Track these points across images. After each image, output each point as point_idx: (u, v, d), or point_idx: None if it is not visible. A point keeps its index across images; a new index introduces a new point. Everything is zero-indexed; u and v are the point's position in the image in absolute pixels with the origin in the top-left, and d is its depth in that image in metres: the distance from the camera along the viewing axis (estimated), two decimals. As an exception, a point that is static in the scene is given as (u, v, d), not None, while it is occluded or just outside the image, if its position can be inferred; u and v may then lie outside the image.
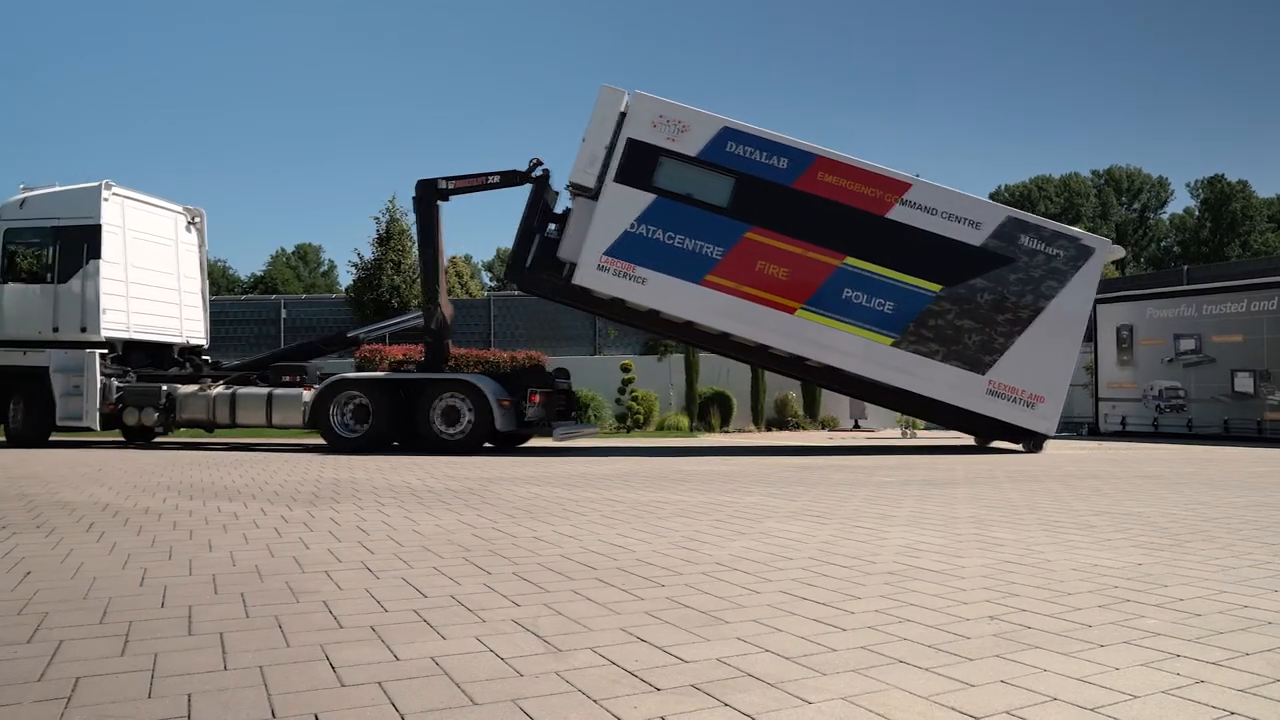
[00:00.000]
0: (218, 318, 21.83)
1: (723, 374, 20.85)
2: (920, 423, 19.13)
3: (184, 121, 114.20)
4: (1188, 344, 16.99)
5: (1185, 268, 23.55)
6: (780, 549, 4.47)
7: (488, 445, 12.92)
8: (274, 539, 4.80)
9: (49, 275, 13.63)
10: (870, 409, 20.76)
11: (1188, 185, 70.04)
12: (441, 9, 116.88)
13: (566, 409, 13.72)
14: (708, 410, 20.32)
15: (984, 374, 12.11)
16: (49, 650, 2.69)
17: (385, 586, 3.59)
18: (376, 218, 24.16)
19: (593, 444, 14.65)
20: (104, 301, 13.41)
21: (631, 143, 12.07)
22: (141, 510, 6.00)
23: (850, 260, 12.11)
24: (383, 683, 2.38)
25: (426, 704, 2.22)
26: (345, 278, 33.04)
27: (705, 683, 2.39)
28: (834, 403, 21.48)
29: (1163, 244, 70.36)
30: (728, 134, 12.12)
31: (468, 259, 62.57)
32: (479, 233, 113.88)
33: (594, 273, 12.12)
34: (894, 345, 12.12)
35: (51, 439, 14.10)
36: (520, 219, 12.81)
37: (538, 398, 12.63)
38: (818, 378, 13.27)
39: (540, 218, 12.78)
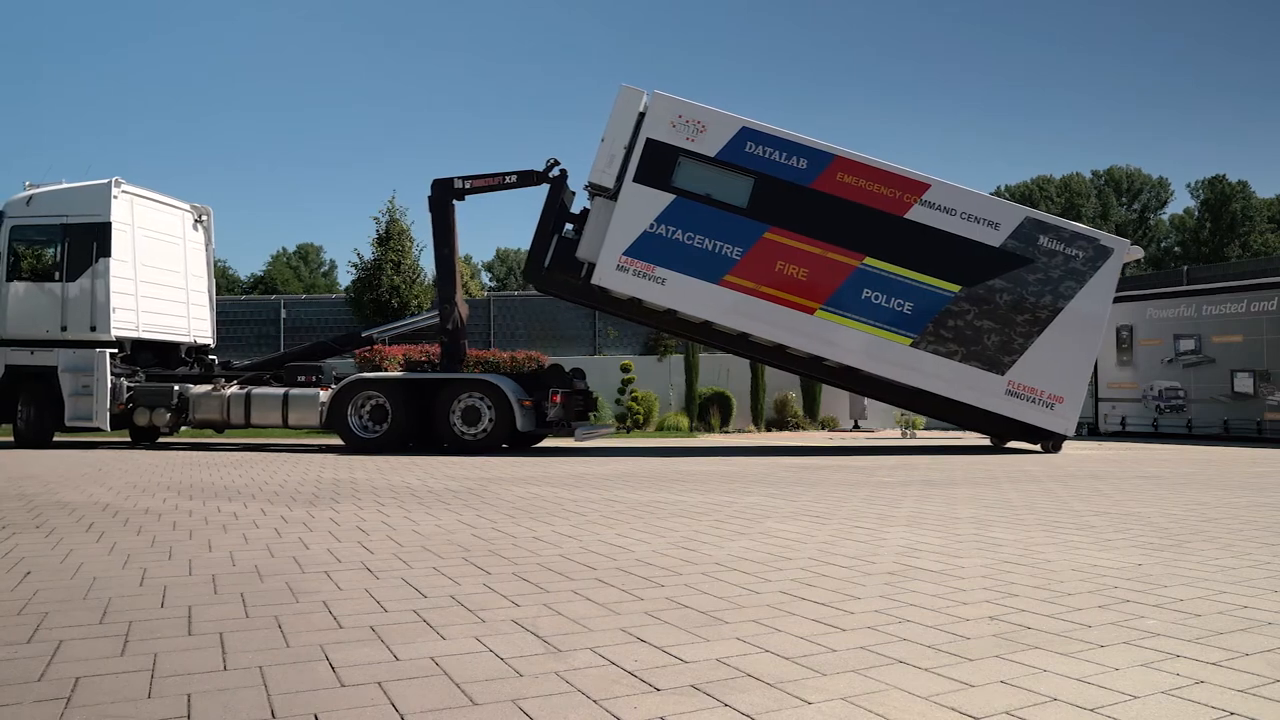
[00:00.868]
0: (218, 317, 21.81)
1: (722, 374, 20.85)
2: (920, 423, 19.14)
3: (183, 121, 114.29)
4: (1188, 344, 17.00)
5: (1185, 268, 23.57)
6: (780, 549, 4.47)
7: (503, 445, 12.91)
8: (274, 539, 4.80)
9: (56, 273, 13.50)
10: (870, 409, 20.77)
11: (1188, 186, 70.14)
12: (442, 8, 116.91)
13: (584, 409, 13.68)
14: (707, 410, 20.32)
15: (1003, 374, 12.10)
16: (49, 650, 2.69)
17: (385, 586, 3.60)
18: (376, 218, 24.11)
19: (592, 444, 14.65)
20: (114, 300, 13.29)
21: (650, 143, 12.07)
22: (141, 510, 6.00)
23: (869, 260, 12.11)
24: (383, 683, 2.38)
25: (426, 704, 2.22)
26: (345, 278, 33.06)
27: (705, 683, 2.39)
28: (834, 403, 21.48)
29: (1163, 244, 70.36)
30: (746, 134, 12.12)
31: (467, 259, 62.55)
32: (479, 233, 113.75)
33: (613, 273, 12.13)
34: (913, 345, 12.12)
35: (57, 439, 13.98)
36: (538, 219, 12.79)
37: (559, 398, 12.61)
38: (836, 378, 13.27)
39: (557, 218, 12.78)
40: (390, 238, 23.61)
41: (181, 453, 12.58)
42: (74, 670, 2.49)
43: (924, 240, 12.07)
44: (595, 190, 12.31)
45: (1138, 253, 13.69)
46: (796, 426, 21.09)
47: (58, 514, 5.80)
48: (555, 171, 12.87)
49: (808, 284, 12.11)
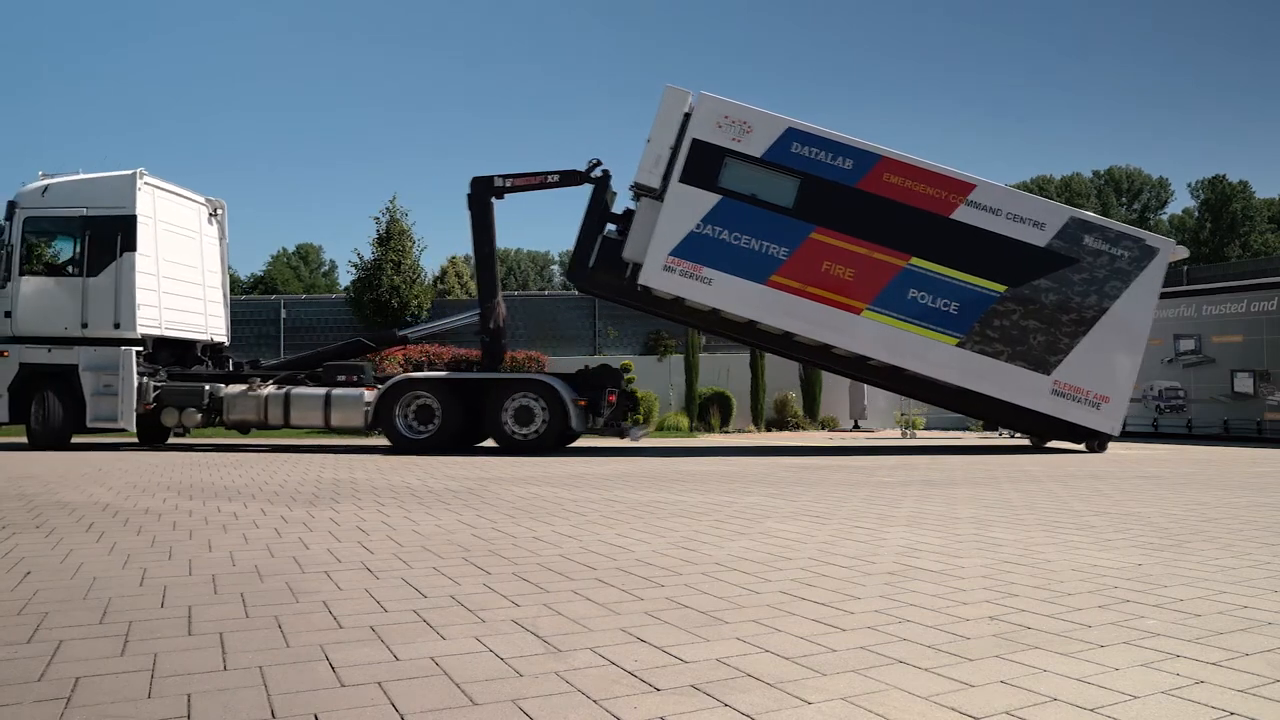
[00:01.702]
0: (218, 317, 21.76)
1: (722, 374, 20.85)
2: (920, 422, 19.14)
3: (183, 121, 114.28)
4: (1188, 344, 16.99)
5: (1185, 268, 23.55)
6: (780, 549, 4.47)
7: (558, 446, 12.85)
8: (274, 539, 4.80)
9: (73, 268, 13.07)
10: (870, 409, 20.77)
11: (1189, 185, 70.12)
12: (443, 8, 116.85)
13: (631, 409, 13.65)
14: (708, 410, 20.32)
15: (1049, 374, 12.10)
16: (49, 650, 2.69)
17: (385, 587, 3.59)
18: (377, 218, 24.13)
19: (592, 444, 14.65)
20: (139, 297, 12.91)
21: (696, 143, 12.07)
22: (141, 510, 6.00)
23: (915, 261, 12.11)
24: (383, 683, 2.38)
25: (426, 704, 2.22)
26: (345, 278, 33.03)
27: (705, 683, 2.39)
28: (833, 403, 21.47)
29: (1162, 244, 70.20)
30: (792, 134, 12.13)
31: (468, 259, 62.51)
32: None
33: (660, 273, 12.13)
34: (959, 345, 12.12)
35: (76, 440, 13.56)
36: (582, 219, 12.80)
37: (614, 398, 12.59)
38: (880, 378, 13.27)
39: (600, 218, 12.78)
40: (390, 238, 23.62)
41: (182, 453, 12.56)
42: (74, 670, 2.49)
43: (970, 240, 12.08)
44: (641, 191, 12.30)
45: (1183, 252, 13.68)
46: (796, 426, 21.08)
47: (58, 514, 5.80)
48: (598, 172, 12.89)
49: (854, 284, 12.12)
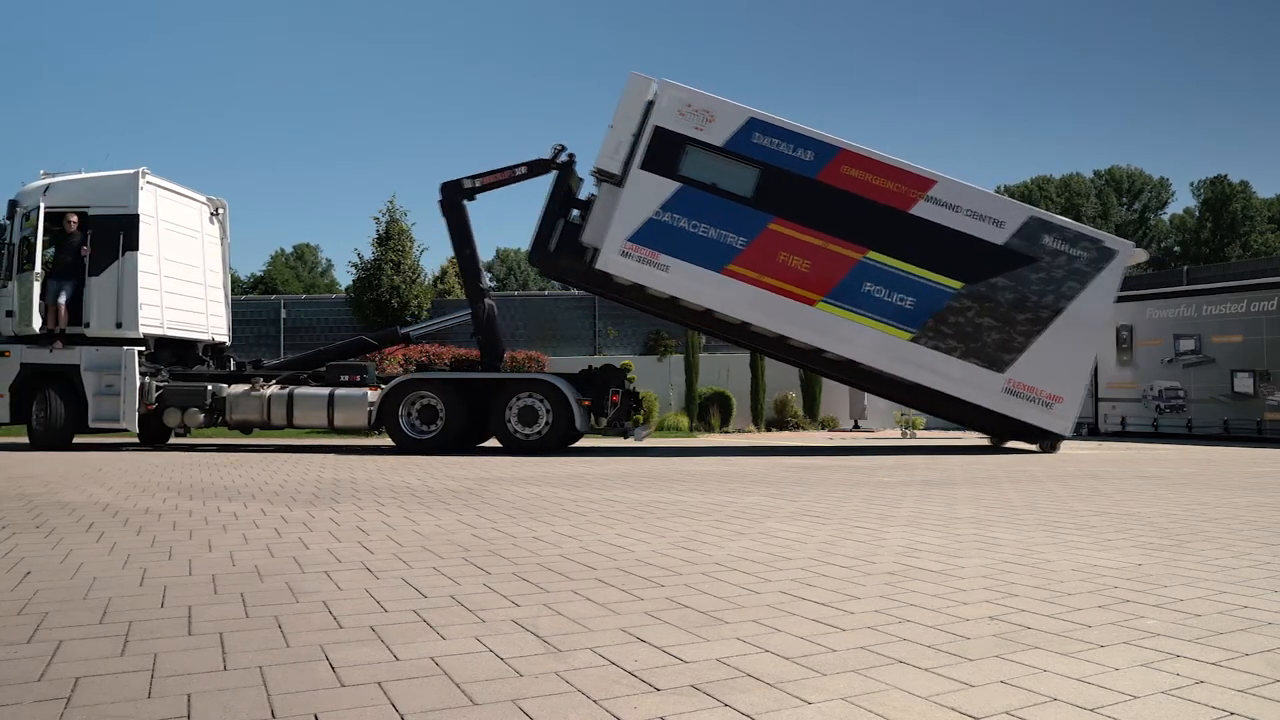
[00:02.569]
0: (218, 318, 21.76)
1: (722, 374, 20.85)
2: (920, 423, 19.13)
3: (182, 121, 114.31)
4: (1187, 344, 16.99)
5: (1185, 268, 23.56)
6: (780, 549, 4.47)
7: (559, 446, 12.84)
8: (274, 539, 4.80)
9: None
10: (870, 409, 20.76)
11: (1190, 185, 70.13)
12: (443, 8, 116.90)
13: (634, 408, 13.63)
14: (708, 410, 20.32)
15: (1002, 372, 12.09)
16: (49, 650, 2.69)
17: (385, 587, 3.59)
18: (376, 218, 24.15)
19: (593, 444, 14.66)
20: (141, 296, 12.87)
21: (658, 130, 12.07)
22: (141, 510, 6.00)
23: (872, 254, 12.11)
24: (383, 683, 2.38)
25: (426, 704, 2.22)
26: (344, 278, 33.01)
27: (705, 683, 2.39)
28: (834, 403, 21.48)
29: (1163, 244, 70.32)
30: (754, 125, 12.13)
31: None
32: (479, 232, 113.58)
33: (617, 258, 12.13)
34: (913, 340, 12.12)
35: (76, 440, 13.48)
36: (544, 204, 12.75)
37: (618, 398, 12.58)
38: (836, 371, 13.30)
39: (564, 203, 12.76)
40: (390, 238, 23.63)
41: (183, 453, 12.56)
42: (74, 670, 2.49)
43: (928, 236, 12.06)
44: (602, 176, 12.32)
45: (1141, 255, 13.68)
46: (796, 426, 21.08)
47: (58, 514, 5.80)
48: (563, 157, 12.86)
49: (810, 276, 12.11)
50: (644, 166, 12.07)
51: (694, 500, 6.65)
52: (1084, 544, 4.65)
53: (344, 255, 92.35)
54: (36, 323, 12.74)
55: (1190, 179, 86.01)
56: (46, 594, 3.46)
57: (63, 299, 12.86)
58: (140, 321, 12.90)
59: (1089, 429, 18.86)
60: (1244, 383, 16.15)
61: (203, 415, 13.01)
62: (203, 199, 14.61)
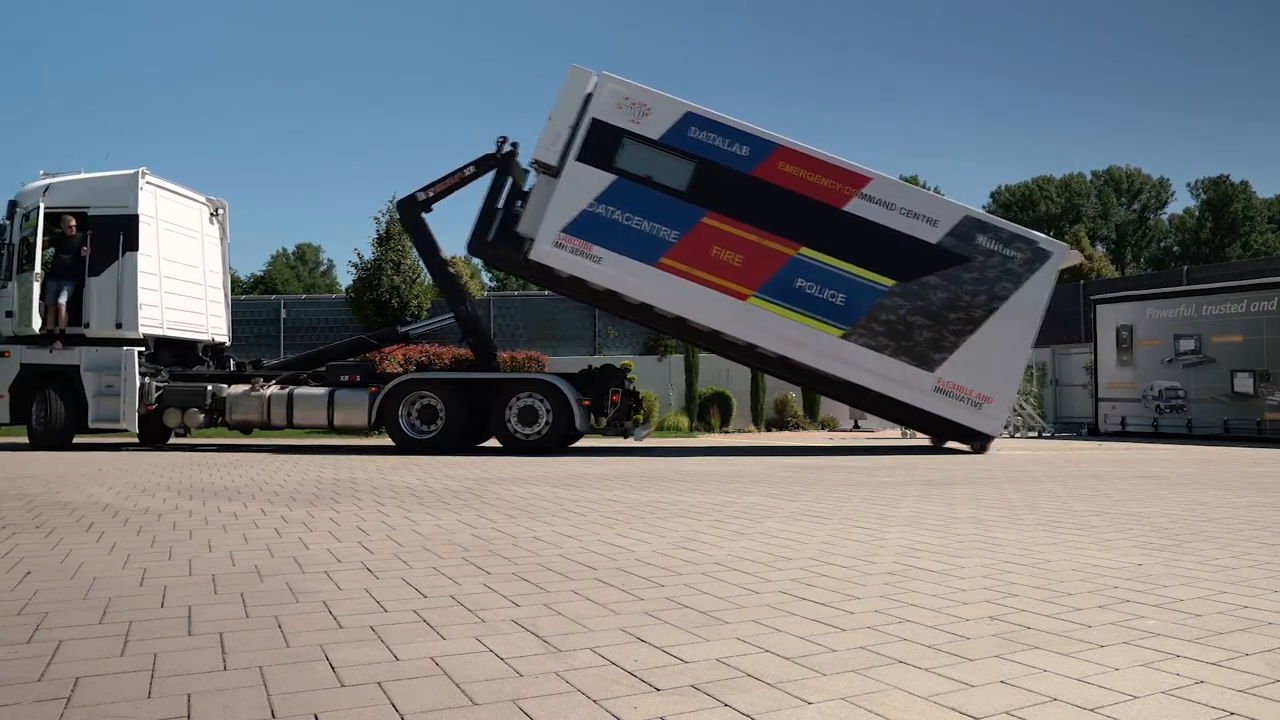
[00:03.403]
0: (218, 318, 21.75)
1: (722, 374, 20.85)
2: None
3: (181, 121, 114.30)
4: (1187, 344, 17.00)
5: (1185, 268, 23.58)
6: (780, 549, 4.47)
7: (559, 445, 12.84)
8: (274, 539, 4.80)
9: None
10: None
11: (1189, 185, 70.11)
12: (443, 7, 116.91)
13: (635, 408, 13.64)
14: (708, 410, 20.32)
15: (933, 371, 12.07)
16: (49, 650, 2.69)
17: (385, 587, 3.59)
18: (377, 218, 24.14)
19: (593, 444, 14.66)
20: (141, 296, 12.89)
21: (595, 123, 12.10)
22: (141, 510, 6.00)
23: (805, 250, 12.12)
24: (383, 683, 2.38)
25: (426, 704, 2.22)
26: (344, 277, 33.01)
27: (705, 683, 2.39)
28: (833, 403, 21.42)
29: (1163, 244, 70.34)
30: (690, 119, 12.15)
31: (467, 259, 62.49)
32: (467, 236, 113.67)
33: (551, 249, 12.15)
34: (844, 337, 12.11)
35: (76, 440, 13.48)
36: (486, 193, 12.84)
37: (618, 397, 12.59)
38: (772, 366, 13.33)
39: (509, 194, 12.82)
40: (390, 238, 23.62)
41: (183, 453, 12.56)
42: (74, 670, 2.49)
43: (861, 233, 12.06)
44: (540, 168, 12.40)
45: (1076, 258, 13.63)
46: (796, 426, 21.09)
47: (58, 514, 5.80)
48: (506, 148, 12.94)
49: (742, 270, 12.12)
50: (580, 158, 12.11)
51: (694, 500, 6.65)
52: (1084, 544, 4.65)
53: (344, 255, 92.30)
54: (36, 323, 12.75)
55: (1190, 179, 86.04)
56: (46, 594, 3.46)
57: (63, 299, 12.88)
58: (140, 322, 12.91)
59: (1089, 429, 18.87)
60: (1244, 383, 16.16)
61: (203, 415, 13.01)
62: (202, 199, 14.60)
